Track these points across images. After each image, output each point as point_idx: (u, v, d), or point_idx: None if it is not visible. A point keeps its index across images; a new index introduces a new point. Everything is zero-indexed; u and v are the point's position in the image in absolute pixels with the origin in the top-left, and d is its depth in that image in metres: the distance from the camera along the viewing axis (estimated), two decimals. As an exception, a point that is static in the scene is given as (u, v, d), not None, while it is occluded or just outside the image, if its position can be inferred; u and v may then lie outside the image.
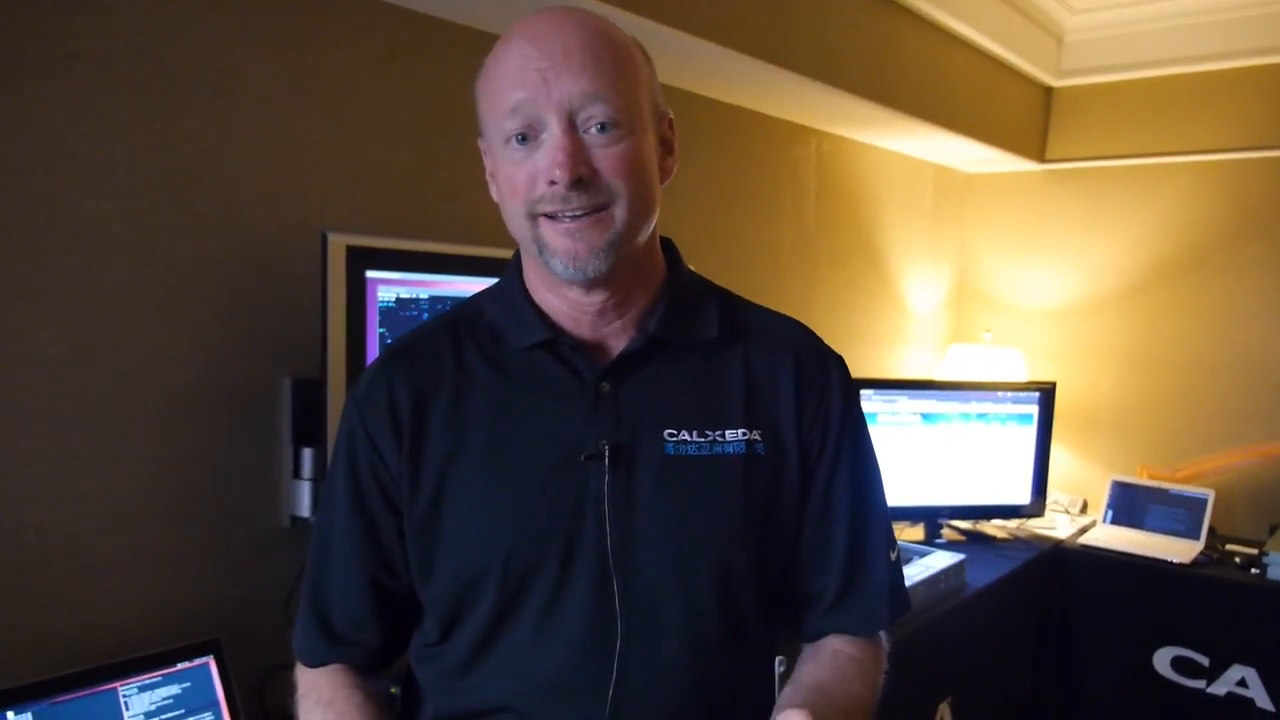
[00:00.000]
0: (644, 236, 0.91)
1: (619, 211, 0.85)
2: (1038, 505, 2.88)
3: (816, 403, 0.97)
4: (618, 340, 0.94)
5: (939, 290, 3.52)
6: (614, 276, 0.88)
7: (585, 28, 0.84)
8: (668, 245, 1.01)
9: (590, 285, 0.88)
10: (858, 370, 2.99)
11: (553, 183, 0.82)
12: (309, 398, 1.48)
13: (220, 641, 1.39)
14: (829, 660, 0.96)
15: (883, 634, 1.03)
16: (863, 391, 2.64)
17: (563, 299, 0.92)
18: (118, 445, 1.36)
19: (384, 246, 1.44)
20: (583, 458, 0.89)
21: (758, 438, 0.94)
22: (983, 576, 2.42)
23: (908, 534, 2.77)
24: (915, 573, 2.19)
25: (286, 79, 1.51)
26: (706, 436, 0.92)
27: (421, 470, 0.92)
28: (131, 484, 1.38)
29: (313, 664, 0.98)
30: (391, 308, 1.45)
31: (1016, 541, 2.83)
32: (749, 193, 2.59)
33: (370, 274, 1.42)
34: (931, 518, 2.78)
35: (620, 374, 0.92)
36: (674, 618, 0.90)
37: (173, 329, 1.40)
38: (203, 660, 1.38)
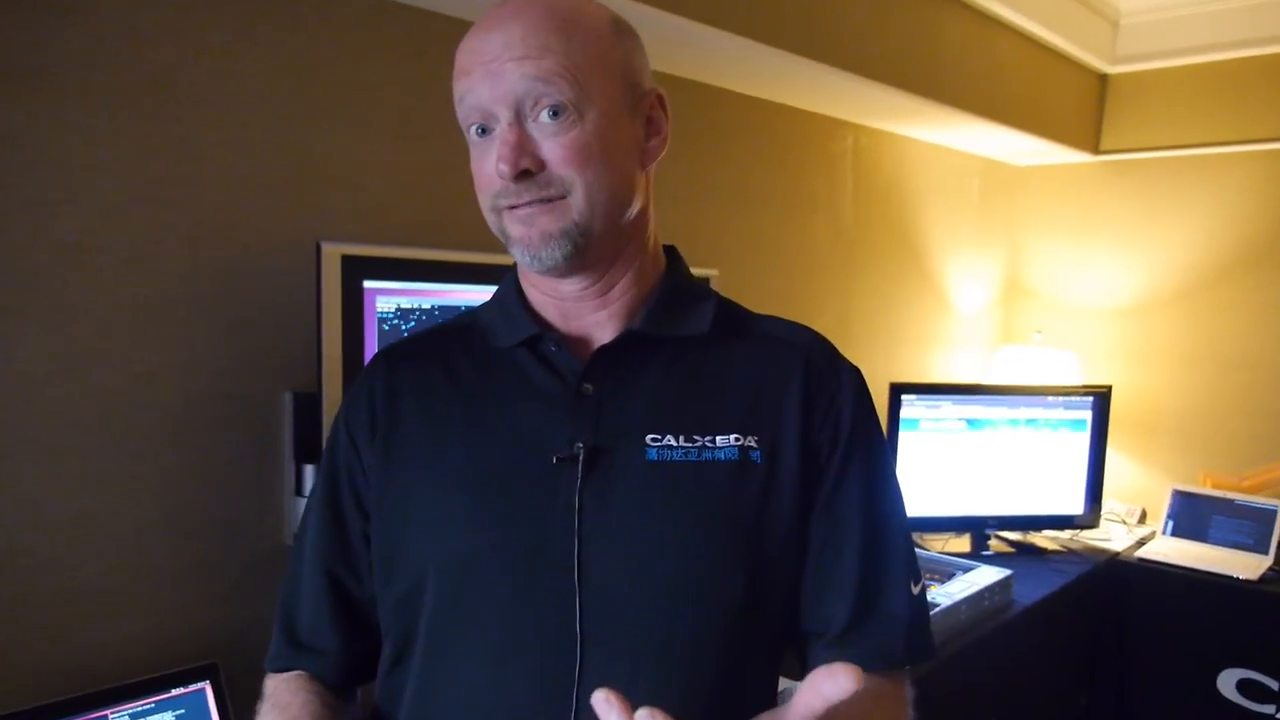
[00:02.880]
0: (618, 220, 0.85)
1: (575, 200, 0.81)
2: (1092, 515, 2.75)
3: (826, 408, 0.88)
4: (602, 333, 0.89)
5: (987, 289, 3.40)
6: (586, 262, 0.84)
7: (540, 11, 0.80)
8: (672, 251, 0.95)
9: (562, 272, 0.84)
10: (899, 374, 2.98)
11: (502, 176, 0.80)
12: (311, 412, 1.43)
13: (217, 666, 1.35)
14: None
15: (906, 682, 0.91)
16: (905, 397, 2.55)
17: (543, 289, 0.89)
18: (110, 464, 1.32)
19: (382, 255, 1.38)
20: (555, 460, 0.82)
21: (754, 444, 0.85)
22: (1032, 592, 2.31)
23: (953, 545, 2.67)
24: (958, 589, 2.09)
25: (282, 81, 1.46)
26: (695, 441, 0.84)
27: (392, 469, 0.89)
28: (125, 503, 1.34)
29: (275, 669, 0.95)
30: (391, 318, 1.39)
31: (1069, 554, 2.71)
32: (783, 191, 2.50)
33: (368, 284, 1.36)
34: (978, 528, 2.67)
35: (603, 373, 0.86)
36: (648, 648, 0.80)
37: (167, 343, 1.36)
38: (199, 686, 1.34)
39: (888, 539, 0.89)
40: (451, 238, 1.62)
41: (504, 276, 0.96)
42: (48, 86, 1.24)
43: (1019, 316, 3.47)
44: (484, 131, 0.82)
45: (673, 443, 0.84)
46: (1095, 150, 3.19)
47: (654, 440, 0.84)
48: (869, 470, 0.89)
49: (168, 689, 1.31)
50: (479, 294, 1.35)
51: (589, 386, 0.85)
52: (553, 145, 0.79)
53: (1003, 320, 3.49)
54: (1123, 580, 2.67)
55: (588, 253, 0.83)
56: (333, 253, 1.32)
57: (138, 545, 1.36)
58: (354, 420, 0.92)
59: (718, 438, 0.84)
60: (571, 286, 0.86)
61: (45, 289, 1.25)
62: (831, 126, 2.63)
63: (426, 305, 1.43)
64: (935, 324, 3.17)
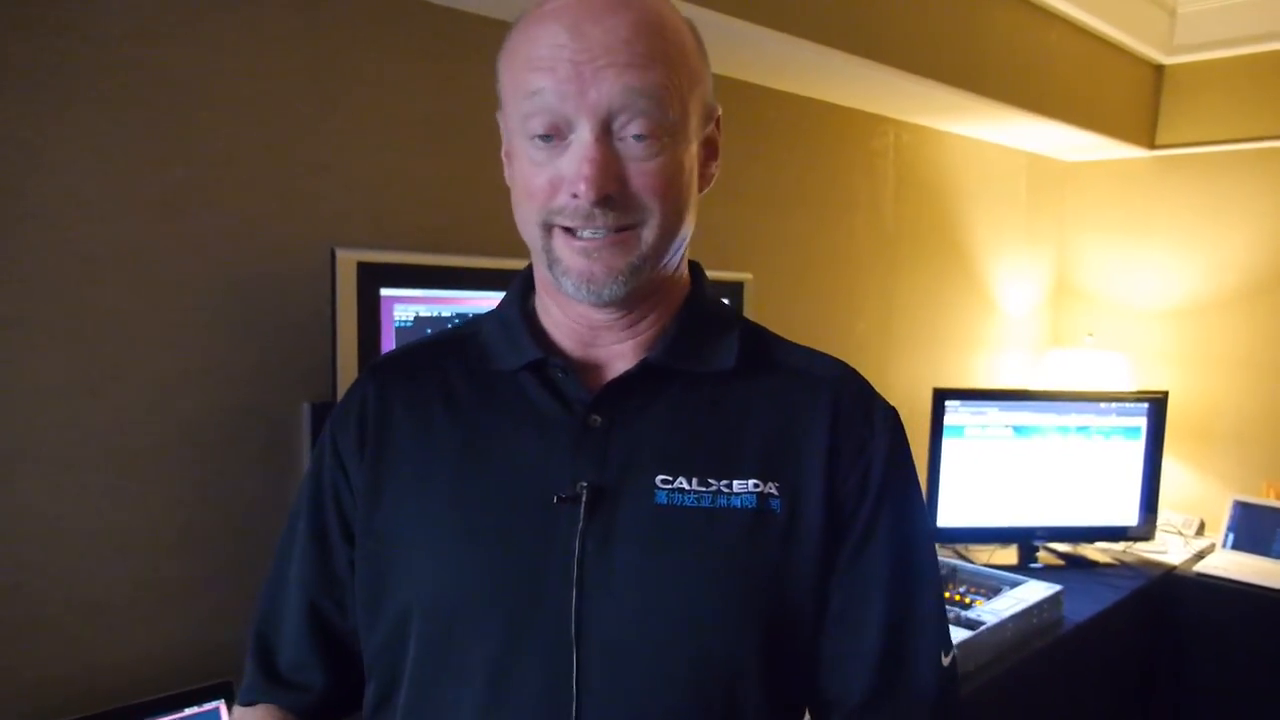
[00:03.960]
0: (672, 258, 0.78)
1: (647, 233, 0.74)
2: (1147, 527, 2.64)
3: (855, 455, 0.80)
4: (622, 364, 0.81)
5: (1035, 290, 3.29)
6: (631, 297, 0.77)
7: (636, 10, 0.71)
8: (695, 269, 0.87)
9: (604, 304, 0.77)
10: (943, 379, 2.89)
11: (576, 195, 0.71)
12: (329, 423, 1.39)
13: (232, 684, 1.31)
14: None
15: None
16: (949, 402, 2.46)
17: (567, 312, 0.81)
18: (124, 478, 1.29)
19: (399, 262, 1.33)
20: (555, 500, 0.75)
21: (774, 491, 0.77)
22: (1083, 609, 2.22)
23: (999, 557, 2.58)
24: (1005, 606, 2.00)
25: (298, 84, 1.42)
26: (709, 486, 0.76)
27: (380, 490, 0.81)
28: (139, 518, 1.31)
29: (247, 703, 0.88)
30: (409, 327, 1.34)
31: (1122, 567, 2.60)
32: (821, 190, 2.42)
33: (385, 291, 1.32)
34: (1025, 539, 2.58)
35: (615, 405, 0.79)
36: (650, 712, 0.73)
37: (182, 354, 1.33)
38: (213, 705, 1.31)
39: (918, 605, 0.80)
40: (471, 243, 1.57)
41: (511, 282, 0.88)
42: (61, 96, 1.21)
43: (1069, 318, 3.35)
44: (546, 138, 0.72)
45: (685, 485, 0.76)
46: (1151, 145, 3.08)
47: (664, 482, 0.76)
48: (900, 526, 0.80)
49: (181, 708, 1.28)
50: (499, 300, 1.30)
51: (597, 418, 0.78)
52: (639, 169, 0.71)
53: (1052, 322, 3.38)
54: (1180, 596, 2.56)
55: (643, 284, 0.76)
56: (348, 259, 1.28)
57: (152, 560, 1.33)
58: (342, 439, 0.85)
59: (735, 483, 0.77)
60: (604, 315, 0.79)
61: (58, 301, 1.23)
62: (872, 123, 2.55)
63: (446, 313, 1.39)
64: (981, 326, 3.07)
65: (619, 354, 0.81)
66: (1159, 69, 3.06)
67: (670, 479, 0.76)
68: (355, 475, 0.83)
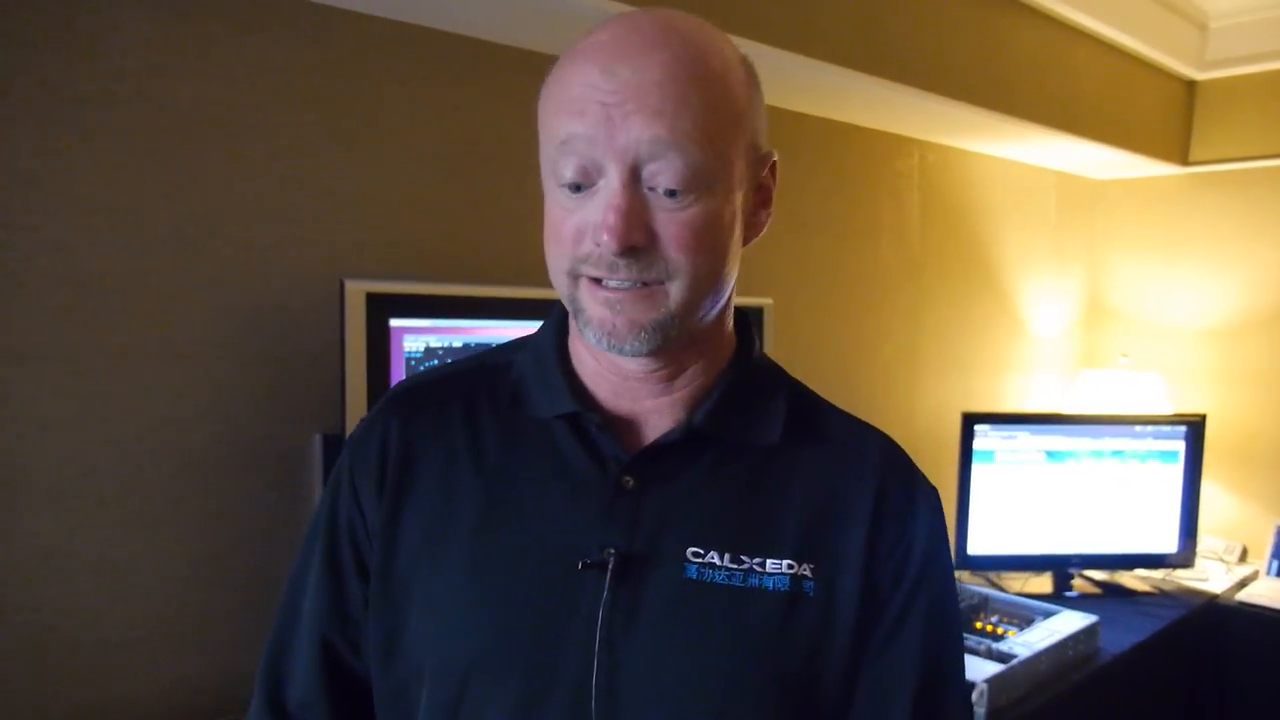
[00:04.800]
0: (708, 314, 0.74)
1: (674, 289, 0.69)
2: (1187, 554, 2.56)
3: (895, 540, 0.76)
4: (660, 421, 0.77)
5: (1066, 311, 3.22)
6: (664, 350, 0.72)
7: (675, 48, 0.67)
8: (742, 320, 0.83)
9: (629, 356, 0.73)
10: (972, 403, 2.83)
11: (599, 245, 0.67)
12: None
13: (242, 722, 1.29)
14: None
15: None
16: (979, 427, 2.40)
17: (600, 361, 0.77)
18: (134, 512, 1.29)
19: (409, 291, 1.32)
20: (580, 565, 0.72)
21: (808, 573, 0.73)
22: (1120, 640, 2.14)
23: (1033, 585, 2.51)
24: (1038, 638, 1.94)
25: (307, 113, 1.42)
26: (741, 563, 0.73)
27: (397, 536, 0.77)
28: (149, 552, 1.30)
29: None
30: (420, 358, 1.33)
31: (1161, 596, 2.52)
32: (843, 213, 2.39)
33: (394, 322, 1.30)
34: (1060, 567, 2.50)
35: (651, 468, 0.75)
36: None
37: (191, 386, 1.32)
38: (224, 742, 1.29)
39: (946, 693, 0.77)
40: (484, 271, 1.56)
41: (548, 315, 0.84)
42: (68, 126, 1.21)
43: (1102, 339, 3.28)
44: (577, 188, 0.68)
45: (716, 561, 0.72)
46: (1183, 161, 3.02)
47: (696, 555, 0.72)
48: (933, 616, 0.77)
49: (191, 745, 1.26)
50: (513, 330, 1.26)
51: (630, 479, 0.74)
52: (668, 220, 0.67)
53: (1084, 343, 3.31)
54: (1222, 625, 2.48)
55: (669, 344, 0.72)
56: (357, 290, 1.27)
57: (163, 595, 1.32)
58: (360, 472, 0.81)
59: (769, 562, 0.73)
60: (636, 366, 0.74)
61: (70, 334, 1.23)
62: (895, 144, 2.52)
63: (458, 344, 1.37)
64: (1011, 349, 3.01)
65: (654, 409, 0.77)
66: (1191, 85, 3.01)
67: (702, 552, 0.72)
68: (372, 516, 0.80)
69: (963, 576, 2.43)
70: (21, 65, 1.17)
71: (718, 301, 0.74)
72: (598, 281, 0.69)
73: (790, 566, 0.73)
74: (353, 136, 1.47)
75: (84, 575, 1.25)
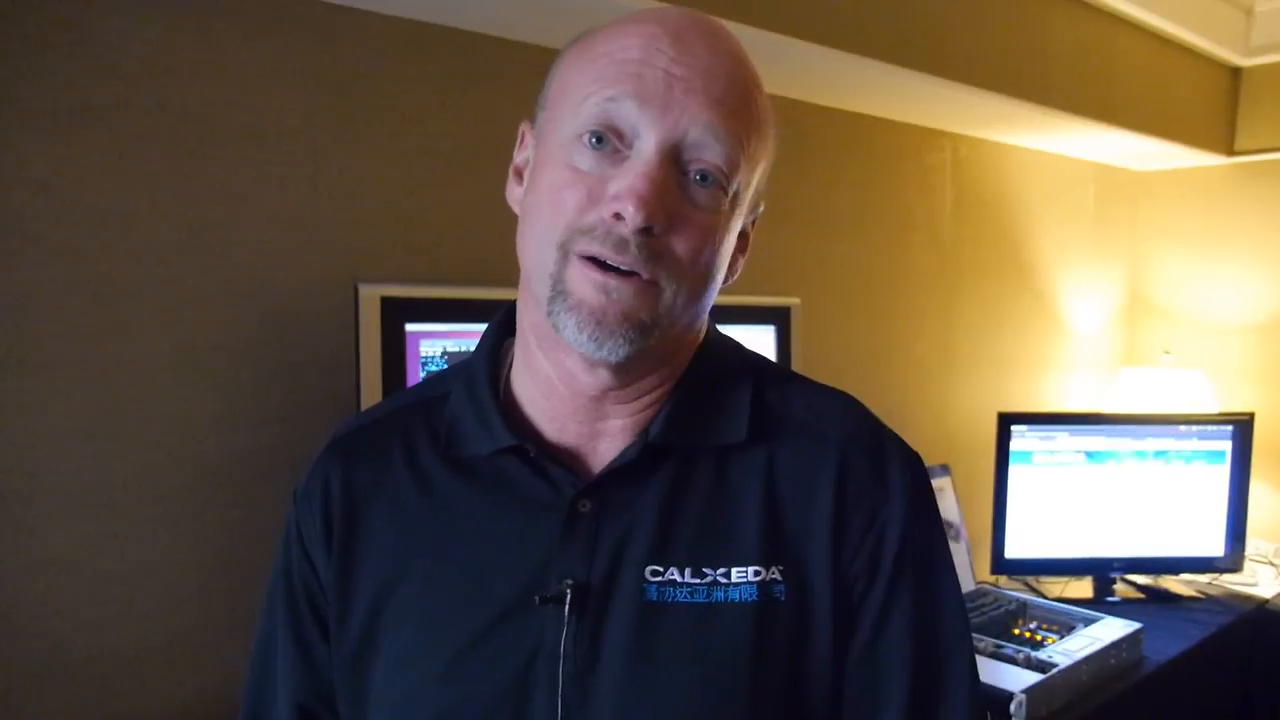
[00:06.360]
0: (682, 333, 0.70)
1: (669, 290, 0.64)
2: (1234, 557, 2.47)
3: (865, 522, 0.70)
4: (611, 444, 0.71)
5: (1106, 307, 3.14)
6: (634, 362, 0.66)
7: (739, 58, 0.67)
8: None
9: (601, 366, 0.67)
10: (1009, 402, 2.76)
11: (618, 216, 0.61)
12: (358, 462, 1.35)
13: (260, 735, 1.28)
14: None
15: None
16: (1015, 427, 2.34)
17: (554, 372, 0.70)
18: (147, 521, 1.27)
19: (425, 296, 1.30)
20: (538, 600, 0.67)
21: (777, 576, 0.68)
22: (1166, 648, 2.08)
23: (1073, 589, 2.44)
24: (1079, 647, 1.88)
25: (321, 114, 1.39)
26: (704, 576, 0.68)
27: (351, 595, 0.74)
28: (163, 564, 1.29)
29: None
30: (436, 363, 1.30)
31: (1209, 601, 2.44)
32: (873, 209, 2.34)
33: (410, 327, 1.28)
34: (1102, 571, 2.43)
35: (607, 489, 0.70)
36: None
37: (205, 394, 1.30)
38: (240, 756, 1.27)
39: (945, 684, 0.71)
40: (500, 275, 1.53)
41: (479, 342, 0.77)
42: (79, 133, 1.19)
43: (1144, 336, 3.20)
44: (599, 140, 0.63)
45: (676, 578, 0.67)
46: (1229, 151, 2.93)
47: (654, 574, 0.67)
48: (922, 606, 0.70)
49: (207, 759, 1.25)
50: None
51: (587, 503, 0.69)
52: (688, 215, 0.64)
53: (1125, 340, 3.22)
54: (1272, 632, 2.40)
55: (638, 358, 0.66)
56: (371, 295, 1.24)
57: (176, 605, 1.30)
58: (307, 526, 0.77)
59: (734, 571, 0.67)
60: (591, 380, 0.68)
61: (81, 341, 1.21)
62: (927, 137, 2.46)
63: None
64: (1048, 346, 2.94)
65: (603, 431, 0.71)
66: (1236, 71, 2.92)
67: (661, 570, 0.68)
68: (325, 573, 0.76)
69: (1000, 581, 2.37)
70: (30, 71, 1.16)
71: (693, 321, 0.70)
72: (593, 261, 0.63)
73: (757, 573, 0.68)
74: (368, 139, 1.44)
75: (98, 586, 1.24)
